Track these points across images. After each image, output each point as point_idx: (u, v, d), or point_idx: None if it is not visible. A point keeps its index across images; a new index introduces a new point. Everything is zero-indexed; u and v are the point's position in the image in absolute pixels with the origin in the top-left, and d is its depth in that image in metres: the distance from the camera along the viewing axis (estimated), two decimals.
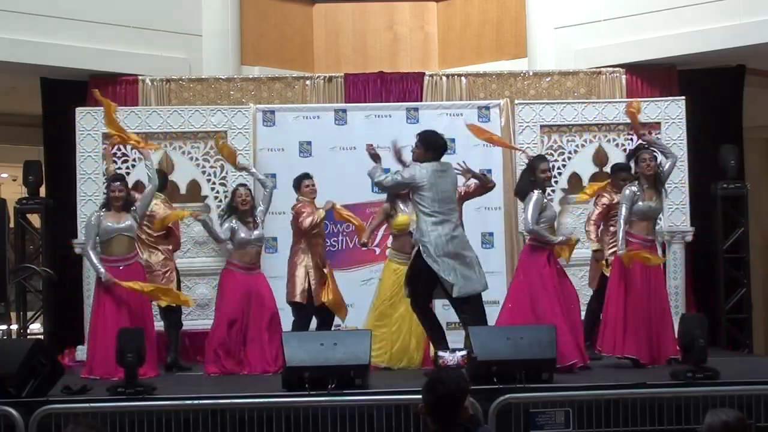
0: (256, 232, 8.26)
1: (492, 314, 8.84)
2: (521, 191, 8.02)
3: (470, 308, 7.46)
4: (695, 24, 9.85)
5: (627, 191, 7.98)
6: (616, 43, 10.35)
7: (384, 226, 8.78)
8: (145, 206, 8.12)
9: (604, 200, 8.68)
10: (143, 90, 10.17)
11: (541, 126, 9.72)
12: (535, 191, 7.78)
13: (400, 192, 8.09)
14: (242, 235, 8.20)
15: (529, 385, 6.52)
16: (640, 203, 7.92)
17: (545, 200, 7.89)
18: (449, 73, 10.67)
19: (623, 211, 7.91)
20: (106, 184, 8.35)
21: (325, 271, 8.40)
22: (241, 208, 8.25)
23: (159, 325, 8.55)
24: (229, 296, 8.19)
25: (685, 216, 9.49)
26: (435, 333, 7.68)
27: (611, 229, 8.50)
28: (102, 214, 7.98)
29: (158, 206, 8.54)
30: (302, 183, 8.59)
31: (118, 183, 8.08)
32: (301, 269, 8.32)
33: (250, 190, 8.44)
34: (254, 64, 11.15)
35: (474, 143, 9.70)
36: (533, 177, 7.88)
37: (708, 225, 9.71)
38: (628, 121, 9.63)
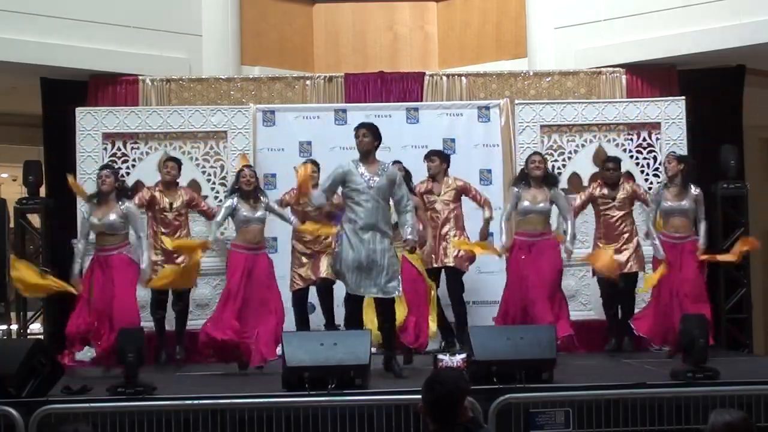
0: (258, 213, 8.22)
1: (491, 313, 8.91)
2: (513, 181, 8.66)
3: None
4: (695, 24, 9.85)
5: (653, 193, 8.69)
6: (616, 43, 10.35)
7: None
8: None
9: (589, 190, 8.98)
10: (143, 90, 10.17)
11: (541, 126, 9.73)
12: (514, 187, 8.48)
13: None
14: (244, 213, 8.16)
15: (529, 385, 6.52)
16: (665, 203, 8.45)
17: (518, 192, 8.38)
18: (449, 73, 10.67)
19: (651, 213, 8.60)
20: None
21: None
22: (244, 188, 8.23)
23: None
24: (230, 275, 8.20)
25: None
26: None
27: (600, 221, 8.89)
28: (89, 209, 8.05)
29: None
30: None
31: (106, 170, 8.11)
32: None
33: (254, 172, 8.43)
34: (254, 64, 11.15)
35: (474, 143, 9.73)
36: (526, 169, 8.45)
37: (708, 225, 9.70)
38: (629, 120, 9.72)
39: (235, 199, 8.20)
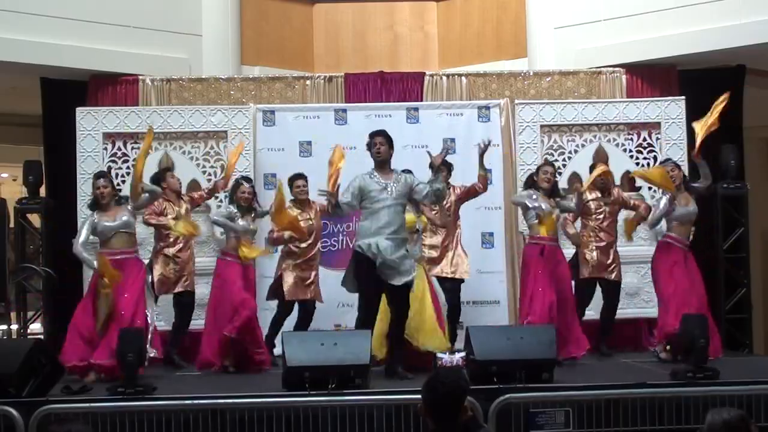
0: (252, 226, 8.36)
1: (491, 313, 8.91)
2: (523, 186, 8.55)
3: None
4: (695, 24, 9.85)
5: (662, 202, 8.39)
6: (616, 43, 10.34)
7: None
8: (140, 205, 8.06)
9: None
10: (143, 90, 10.17)
11: (541, 126, 9.72)
12: (525, 190, 8.35)
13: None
14: (241, 223, 8.24)
15: (529, 385, 6.53)
16: (680, 208, 8.37)
17: (533, 196, 8.24)
18: (449, 73, 10.67)
19: (655, 216, 8.42)
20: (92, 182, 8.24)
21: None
22: (241, 204, 8.27)
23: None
24: (229, 285, 8.19)
25: None
26: None
27: (590, 224, 8.78)
28: (95, 216, 7.88)
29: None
30: (293, 183, 8.64)
31: (102, 180, 8.02)
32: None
33: (253, 188, 8.46)
34: (254, 64, 11.15)
35: (474, 143, 9.70)
36: (536, 177, 8.35)
37: (708, 225, 9.70)
38: (629, 120, 9.71)
39: (234, 211, 8.25)
